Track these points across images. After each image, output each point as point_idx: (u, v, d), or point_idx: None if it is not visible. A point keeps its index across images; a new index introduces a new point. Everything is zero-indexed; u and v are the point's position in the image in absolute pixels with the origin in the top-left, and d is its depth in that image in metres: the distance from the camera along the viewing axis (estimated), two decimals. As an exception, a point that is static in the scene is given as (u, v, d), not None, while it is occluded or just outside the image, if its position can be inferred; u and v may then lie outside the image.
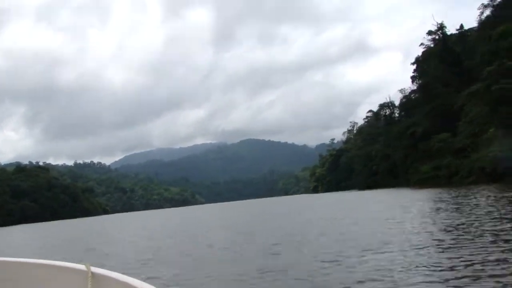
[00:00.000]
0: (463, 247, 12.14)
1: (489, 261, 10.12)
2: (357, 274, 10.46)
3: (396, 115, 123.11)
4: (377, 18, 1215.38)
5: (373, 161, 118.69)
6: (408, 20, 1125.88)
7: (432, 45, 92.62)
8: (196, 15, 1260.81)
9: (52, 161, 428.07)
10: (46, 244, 34.86)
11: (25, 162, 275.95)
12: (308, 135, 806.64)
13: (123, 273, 2.62)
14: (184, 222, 50.94)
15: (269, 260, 13.95)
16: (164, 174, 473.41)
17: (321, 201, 67.90)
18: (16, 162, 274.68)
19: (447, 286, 8.64)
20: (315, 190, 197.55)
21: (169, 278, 12.59)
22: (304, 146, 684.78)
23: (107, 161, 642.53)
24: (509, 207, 21.91)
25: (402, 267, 10.61)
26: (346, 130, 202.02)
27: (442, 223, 18.67)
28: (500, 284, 8.23)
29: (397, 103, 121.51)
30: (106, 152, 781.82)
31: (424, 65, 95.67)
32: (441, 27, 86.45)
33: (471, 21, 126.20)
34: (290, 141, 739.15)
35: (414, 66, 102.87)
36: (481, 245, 12.06)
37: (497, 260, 10.14)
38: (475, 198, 30.81)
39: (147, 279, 2.62)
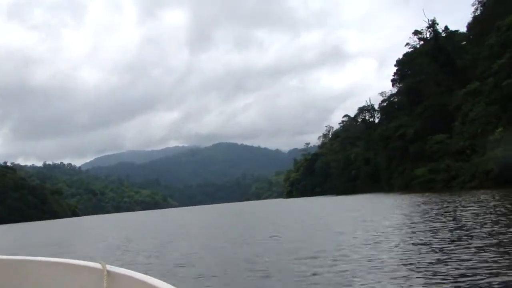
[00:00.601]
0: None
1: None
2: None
3: (376, 119, 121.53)
4: (352, 25, 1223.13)
5: (352, 165, 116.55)
6: (383, 27, 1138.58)
7: (418, 45, 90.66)
8: (172, 17, 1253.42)
9: (22, 161, 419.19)
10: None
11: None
12: (281, 139, 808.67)
13: (138, 271, 2.64)
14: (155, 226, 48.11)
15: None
16: (136, 176, 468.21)
17: (294, 206, 65.78)
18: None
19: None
20: (289, 195, 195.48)
21: None
22: (277, 151, 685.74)
23: (78, 162, 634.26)
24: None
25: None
26: (321, 134, 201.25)
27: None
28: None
29: (375, 107, 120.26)
30: (77, 153, 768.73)
31: (407, 67, 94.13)
32: (433, 23, 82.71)
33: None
34: (263, 146, 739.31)
35: (395, 69, 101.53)
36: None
37: None
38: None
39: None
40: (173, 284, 2.29)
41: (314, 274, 10.84)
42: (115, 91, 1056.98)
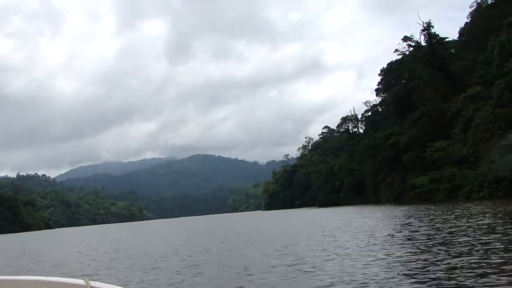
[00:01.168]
0: None
1: None
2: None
3: (360, 129, 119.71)
4: (331, 37, 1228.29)
5: (335, 176, 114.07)
6: (361, 40, 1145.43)
7: (407, 52, 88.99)
8: (151, 27, 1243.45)
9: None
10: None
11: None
12: (258, 152, 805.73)
13: (122, 286, 2.79)
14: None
15: None
16: (112, 188, 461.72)
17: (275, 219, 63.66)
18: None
19: None
20: (268, 207, 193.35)
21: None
22: (255, 163, 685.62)
23: (53, 173, 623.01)
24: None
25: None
26: (301, 146, 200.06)
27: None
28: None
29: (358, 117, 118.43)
30: (52, 164, 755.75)
31: (394, 75, 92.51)
32: (428, 26, 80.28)
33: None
34: (240, 158, 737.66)
35: (379, 79, 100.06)
36: None
37: None
38: None
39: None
40: None
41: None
42: (91, 101, 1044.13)
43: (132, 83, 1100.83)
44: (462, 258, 11.91)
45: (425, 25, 79.80)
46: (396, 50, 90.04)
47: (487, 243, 14.21)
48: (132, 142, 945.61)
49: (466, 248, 13.57)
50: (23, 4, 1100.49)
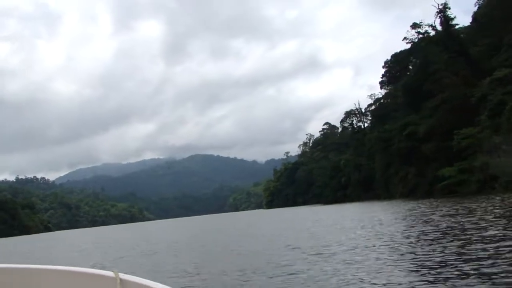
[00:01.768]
0: None
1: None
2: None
3: (364, 123, 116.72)
4: (328, 34, 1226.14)
5: (341, 172, 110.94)
6: (358, 37, 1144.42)
7: (416, 40, 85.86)
8: (147, 28, 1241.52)
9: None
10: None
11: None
12: (257, 150, 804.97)
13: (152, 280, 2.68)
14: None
15: None
16: (112, 190, 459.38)
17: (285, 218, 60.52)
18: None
19: None
20: (269, 205, 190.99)
21: None
22: (254, 162, 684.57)
23: (52, 176, 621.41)
24: None
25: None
26: (301, 143, 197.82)
27: None
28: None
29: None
30: (51, 167, 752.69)
31: (401, 65, 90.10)
32: (444, 8, 75.25)
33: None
34: (239, 157, 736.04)
35: (383, 71, 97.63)
36: None
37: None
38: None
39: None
40: None
41: None
42: (89, 103, 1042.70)
43: (130, 84, 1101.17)
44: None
45: (440, 7, 75.79)
46: (405, 38, 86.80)
47: None
48: (131, 143, 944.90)
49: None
50: (19, 6, 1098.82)
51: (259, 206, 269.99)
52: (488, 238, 14.29)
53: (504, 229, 16.21)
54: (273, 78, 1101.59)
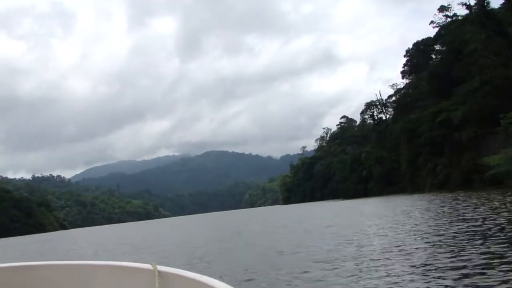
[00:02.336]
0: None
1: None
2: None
3: (386, 114, 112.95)
4: (343, 29, 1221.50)
5: (362, 165, 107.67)
6: (373, 31, 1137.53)
7: (444, 23, 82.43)
8: (161, 24, 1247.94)
9: (11, 175, 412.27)
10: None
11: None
12: (272, 146, 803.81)
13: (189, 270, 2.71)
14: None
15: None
16: (127, 187, 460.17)
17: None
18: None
19: None
20: (286, 201, 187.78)
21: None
22: (269, 158, 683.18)
23: (68, 174, 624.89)
24: None
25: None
26: (318, 137, 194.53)
27: None
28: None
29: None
30: (67, 165, 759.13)
31: (427, 53, 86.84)
32: None
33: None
34: (254, 153, 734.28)
35: (404, 60, 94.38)
36: None
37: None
38: None
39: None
40: (226, 282, 2.27)
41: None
42: (104, 100, 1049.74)
43: (144, 81, 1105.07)
44: None
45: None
46: (432, 22, 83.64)
47: None
48: (146, 140, 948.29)
49: None
50: (35, 5, 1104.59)
51: (275, 202, 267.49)
52: None
53: None
54: (288, 74, 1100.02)
